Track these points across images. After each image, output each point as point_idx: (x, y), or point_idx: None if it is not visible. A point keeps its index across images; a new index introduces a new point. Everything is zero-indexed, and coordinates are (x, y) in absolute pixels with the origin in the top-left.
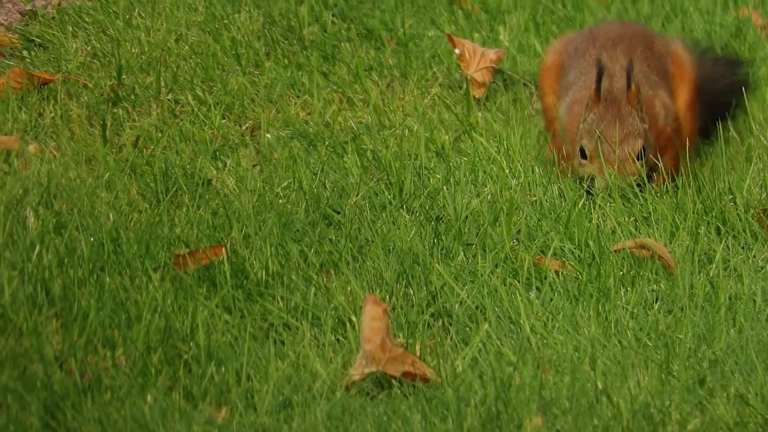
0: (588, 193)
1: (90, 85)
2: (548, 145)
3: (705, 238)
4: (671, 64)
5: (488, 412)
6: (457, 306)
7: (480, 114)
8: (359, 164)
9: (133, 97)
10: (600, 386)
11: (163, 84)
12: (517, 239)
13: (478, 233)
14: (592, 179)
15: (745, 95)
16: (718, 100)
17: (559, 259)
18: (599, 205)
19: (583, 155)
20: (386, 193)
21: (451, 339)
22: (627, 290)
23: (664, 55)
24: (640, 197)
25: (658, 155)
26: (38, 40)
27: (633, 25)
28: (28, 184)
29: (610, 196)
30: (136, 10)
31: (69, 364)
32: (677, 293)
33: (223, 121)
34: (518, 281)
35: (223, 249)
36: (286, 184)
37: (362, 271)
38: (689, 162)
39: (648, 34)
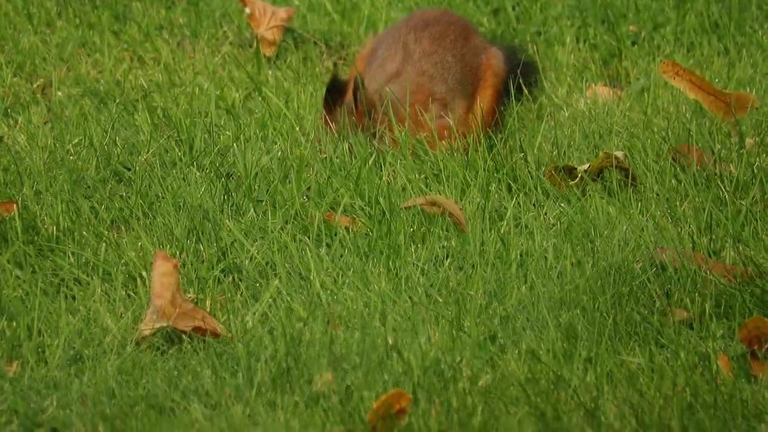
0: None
1: None
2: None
3: (496, 195)
4: (483, 64)
5: (278, 368)
6: (247, 262)
7: (270, 72)
8: (150, 122)
9: None
10: (390, 342)
11: None
12: (307, 196)
13: (268, 190)
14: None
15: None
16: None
17: (350, 215)
18: (390, 163)
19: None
20: (177, 150)
21: (241, 295)
22: (418, 247)
23: (480, 51)
24: (431, 154)
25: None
26: None
27: (455, 15)
28: None
29: (401, 153)
30: None
31: None
32: (468, 250)
33: (15, 79)
34: (308, 238)
35: (15, 205)
36: (77, 141)
37: (153, 227)
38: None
39: (468, 27)
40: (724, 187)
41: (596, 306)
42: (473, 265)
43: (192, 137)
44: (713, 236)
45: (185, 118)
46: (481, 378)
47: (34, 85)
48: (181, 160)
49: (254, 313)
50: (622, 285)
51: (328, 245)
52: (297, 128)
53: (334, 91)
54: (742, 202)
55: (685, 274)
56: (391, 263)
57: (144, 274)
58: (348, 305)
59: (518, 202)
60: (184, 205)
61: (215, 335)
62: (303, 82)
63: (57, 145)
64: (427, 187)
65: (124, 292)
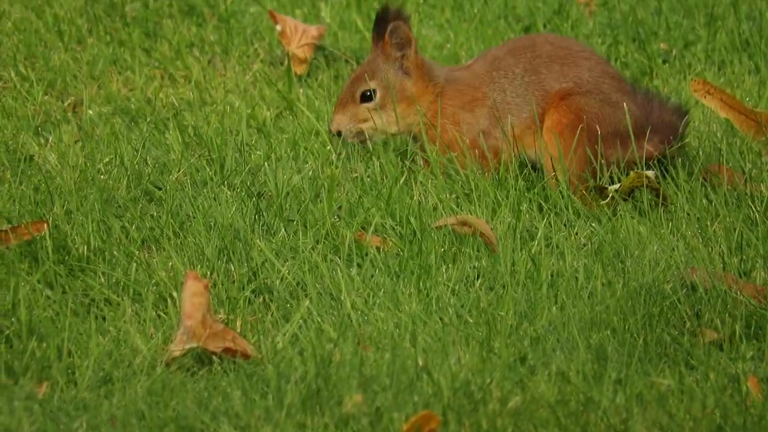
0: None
1: None
2: None
3: (527, 215)
4: (560, 92)
5: (308, 389)
6: (278, 282)
7: (301, 90)
8: (181, 140)
9: None
10: (421, 363)
11: None
12: (338, 216)
13: (299, 209)
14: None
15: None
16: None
17: (381, 235)
18: (421, 182)
19: None
20: (207, 169)
21: (272, 315)
22: (448, 267)
23: (568, 80)
24: (462, 174)
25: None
26: None
27: (580, 46)
28: None
29: (432, 172)
30: None
31: None
32: (499, 270)
33: (46, 97)
34: (339, 257)
35: (45, 224)
36: (108, 160)
37: (183, 247)
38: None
39: (582, 58)
40: (755, 207)
41: (626, 327)
42: (504, 286)
43: (223, 156)
44: (744, 256)
45: (216, 137)
46: (510, 399)
47: (65, 104)
48: (212, 179)
49: (284, 334)
50: (652, 305)
51: (359, 265)
52: (328, 147)
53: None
54: None
55: (715, 295)
56: (421, 283)
57: (174, 294)
58: (378, 326)
59: (549, 222)
60: (215, 224)
61: (245, 356)
62: (334, 100)
63: (88, 164)
64: (458, 206)
65: (154, 313)
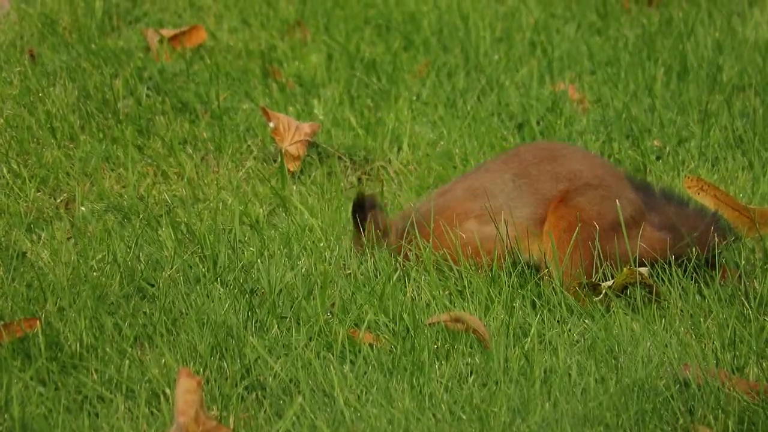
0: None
1: None
2: None
3: (520, 312)
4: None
5: None
6: (270, 379)
7: (294, 187)
8: (173, 237)
9: None
10: None
11: None
12: (331, 312)
13: (292, 306)
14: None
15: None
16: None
17: (374, 332)
18: (414, 279)
19: None
20: (200, 266)
21: (265, 412)
22: (441, 363)
23: (563, 181)
24: (455, 270)
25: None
26: None
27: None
28: None
29: (425, 269)
30: None
31: None
32: (492, 366)
33: (38, 193)
34: (332, 354)
35: (38, 321)
36: (100, 256)
37: (176, 344)
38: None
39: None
40: (749, 304)
41: (620, 423)
42: (497, 382)
43: (216, 253)
44: (737, 353)
45: (209, 234)
46: None
47: (58, 200)
48: (204, 276)
49: (278, 431)
50: (645, 402)
51: (352, 362)
52: (321, 244)
53: (361, 209)
54: (766, 319)
55: (708, 391)
56: (415, 380)
57: (167, 391)
58: (372, 422)
59: (542, 319)
60: (208, 321)
61: None
62: (328, 197)
63: (80, 260)
64: (451, 303)
65: (147, 410)
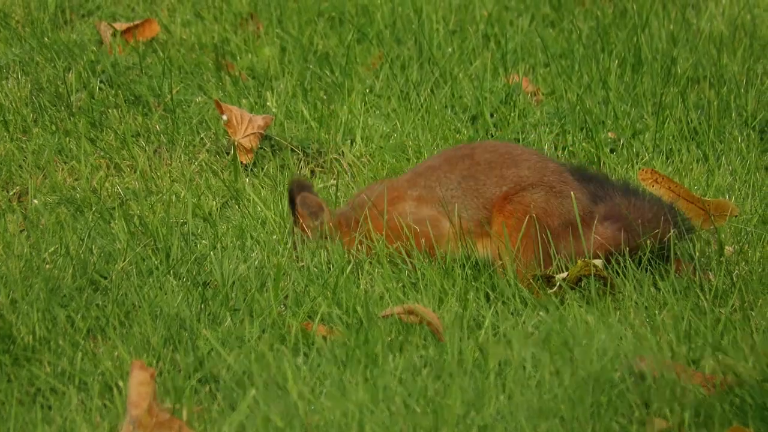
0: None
1: None
2: None
3: (474, 304)
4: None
5: None
6: (224, 371)
7: (247, 180)
8: (126, 230)
9: None
10: None
11: None
12: (284, 305)
13: (245, 298)
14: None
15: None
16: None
17: (327, 324)
18: (368, 271)
19: None
20: (153, 259)
21: (218, 404)
22: (395, 356)
23: (507, 183)
24: (408, 263)
25: None
26: None
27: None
28: None
29: (378, 262)
30: None
31: None
32: (446, 359)
33: None
34: (286, 347)
35: None
36: (53, 249)
37: (129, 336)
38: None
39: (517, 160)
40: (704, 296)
41: (575, 416)
42: (451, 375)
43: (169, 245)
44: (692, 345)
45: (162, 227)
46: None
47: (10, 193)
48: (157, 268)
49: (231, 424)
50: (600, 394)
51: (305, 354)
52: (275, 236)
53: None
54: (722, 311)
55: (664, 384)
56: (368, 372)
57: (120, 383)
58: (325, 415)
59: (496, 311)
60: (161, 313)
61: None
62: (281, 190)
63: (33, 253)
64: (404, 295)
65: (100, 402)
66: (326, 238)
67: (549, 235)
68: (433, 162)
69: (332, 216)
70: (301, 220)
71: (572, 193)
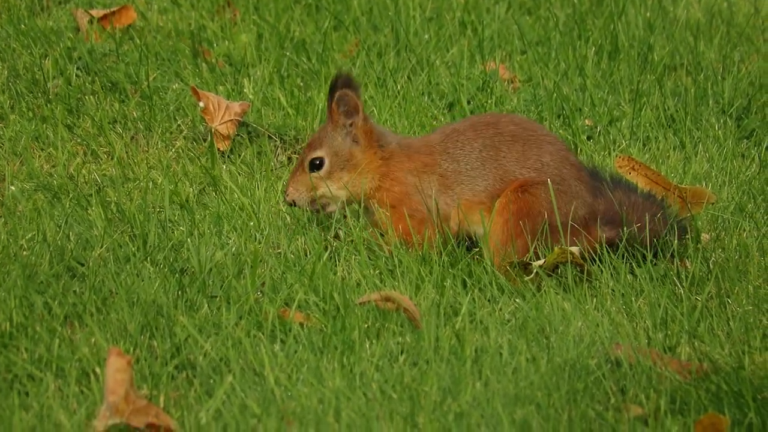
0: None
1: None
2: None
3: (451, 291)
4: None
5: None
6: (201, 358)
7: (224, 166)
8: (103, 217)
9: None
10: None
11: None
12: (261, 291)
13: (222, 285)
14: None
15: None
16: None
17: (304, 311)
18: (344, 258)
19: None
20: (130, 246)
21: (195, 391)
22: (372, 343)
23: (528, 166)
24: (385, 250)
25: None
26: None
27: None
28: None
29: (355, 248)
30: None
31: None
32: (423, 346)
33: None
34: (263, 333)
35: None
36: (30, 236)
37: (106, 323)
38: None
39: (544, 142)
40: (680, 283)
41: (551, 402)
42: (428, 361)
43: (146, 232)
44: (668, 332)
45: (139, 213)
46: None
47: None
48: (134, 255)
49: (208, 410)
50: (577, 381)
51: (282, 341)
52: (252, 223)
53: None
54: (698, 298)
55: (640, 370)
56: (345, 359)
57: (97, 370)
58: (302, 401)
59: (473, 298)
60: (138, 300)
61: None
62: (258, 176)
63: (10, 240)
64: (381, 282)
65: (77, 388)
66: (353, 141)
67: (548, 229)
68: (458, 125)
69: (374, 128)
70: (333, 116)
71: (585, 196)
